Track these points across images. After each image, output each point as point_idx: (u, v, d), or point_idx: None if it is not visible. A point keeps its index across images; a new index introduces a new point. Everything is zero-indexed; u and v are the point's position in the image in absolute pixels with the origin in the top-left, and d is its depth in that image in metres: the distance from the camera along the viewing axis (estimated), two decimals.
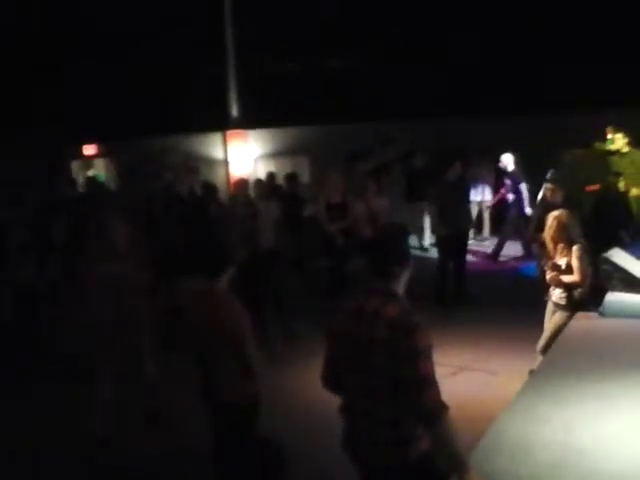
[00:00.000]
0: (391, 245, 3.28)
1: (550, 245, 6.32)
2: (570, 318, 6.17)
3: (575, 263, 6.12)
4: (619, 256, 7.19)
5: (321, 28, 17.23)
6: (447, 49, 16.24)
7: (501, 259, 12.59)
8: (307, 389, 6.58)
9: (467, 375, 7.24)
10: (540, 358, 6.18)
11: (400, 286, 3.29)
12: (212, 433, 4.79)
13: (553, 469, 3.78)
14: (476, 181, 13.46)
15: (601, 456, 3.88)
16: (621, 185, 9.90)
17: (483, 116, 14.78)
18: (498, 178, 13.29)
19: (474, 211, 13.32)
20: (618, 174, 9.93)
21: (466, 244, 10.46)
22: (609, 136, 10.17)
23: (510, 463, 3.90)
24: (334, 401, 3.63)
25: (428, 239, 13.45)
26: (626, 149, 10.04)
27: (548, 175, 10.33)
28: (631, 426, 4.20)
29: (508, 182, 12.47)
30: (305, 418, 6.46)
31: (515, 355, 7.41)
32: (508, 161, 12.13)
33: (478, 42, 15.95)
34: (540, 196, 9.63)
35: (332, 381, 3.56)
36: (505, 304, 9.22)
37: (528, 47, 15.17)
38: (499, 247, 12.56)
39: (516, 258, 12.47)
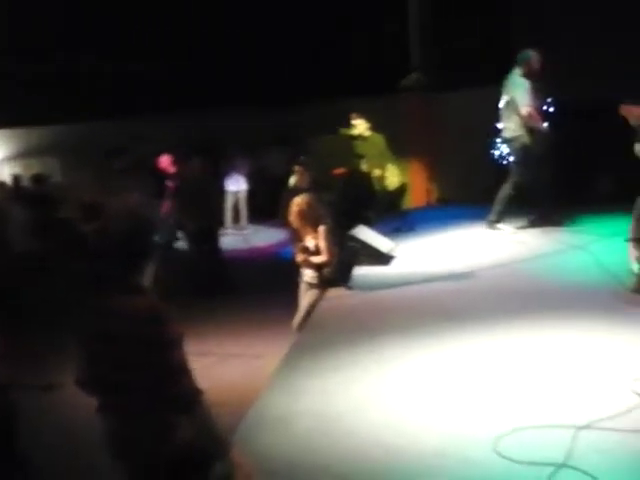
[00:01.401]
0: (134, 239, 3.30)
1: (297, 228, 6.62)
2: (322, 295, 6.53)
3: (322, 244, 6.45)
4: (364, 233, 7.75)
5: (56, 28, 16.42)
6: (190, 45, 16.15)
7: (260, 245, 12.90)
8: None
9: (232, 361, 7.39)
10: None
11: (146, 279, 3.32)
12: None
13: (312, 436, 4.04)
14: (231, 171, 13.70)
15: (355, 418, 4.20)
16: (364, 167, 10.57)
17: (235, 108, 14.99)
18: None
19: (230, 201, 13.54)
20: (361, 157, 10.57)
21: (217, 235, 10.63)
22: (353, 122, 10.74)
23: (272, 436, 4.11)
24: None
25: (180, 233, 13.46)
26: (367, 133, 10.67)
27: (298, 160, 10.79)
28: (380, 389, 4.57)
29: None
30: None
31: (277, 337, 7.67)
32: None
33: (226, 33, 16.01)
34: (291, 181, 10.03)
35: (89, 382, 3.51)
36: (264, 289, 9.50)
37: (271, 36, 15.44)
38: None
39: (275, 243, 12.84)
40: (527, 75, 8.09)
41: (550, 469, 3.31)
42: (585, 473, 3.27)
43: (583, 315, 5.49)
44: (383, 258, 7.55)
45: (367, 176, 10.50)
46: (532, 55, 8.12)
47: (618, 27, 9.62)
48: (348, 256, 7.14)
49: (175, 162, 11.58)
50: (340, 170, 10.70)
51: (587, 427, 3.67)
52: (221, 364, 7.25)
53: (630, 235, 5.96)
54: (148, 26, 15.72)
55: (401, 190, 10.85)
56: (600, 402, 3.98)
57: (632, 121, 4.54)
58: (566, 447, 3.48)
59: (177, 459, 3.40)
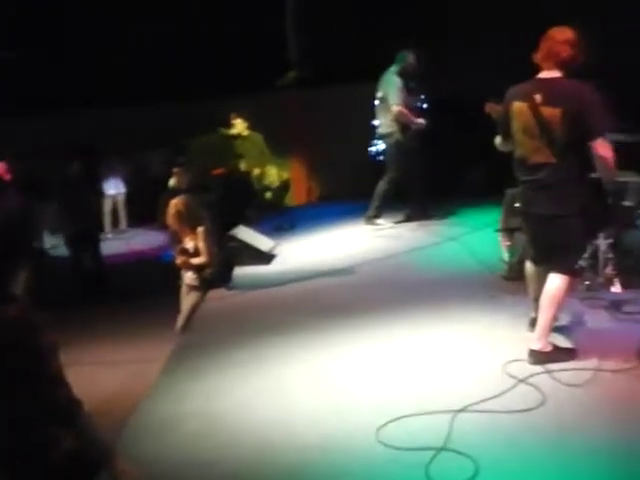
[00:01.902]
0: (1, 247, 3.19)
1: (176, 230, 6.54)
2: (203, 297, 6.49)
3: (201, 245, 6.41)
4: (244, 233, 7.74)
5: None
6: (64, 39, 15.51)
7: (140, 248, 12.64)
8: None
9: (114, 369, 7.19)
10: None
11: (17, 286, 3.22)
12: None
13: (198, 437, 4.02)
14: (109, 174, 13.37)
15: (241, 417, 4.20)
16: (243, 166, 10.56)
17: (110, 108, 14.55)
18: None
19: (108, 205, 13.23)
20: (240, 156, 10.56)
21: (97, 239, 10.38)
22: (232, 121, 10.70)
23: (157, 441, 4.06)
24: None
25: (58, 238, 13.01)
26: (246, 132, 10.66)
27: (177, 161, 10.66)
28: (264, 387, 4.59)
29: None
30: None
31: (160, 341, 7.52)
32: None
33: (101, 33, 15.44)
34: (170, 182, 9.89)
35: None
36: (146, 293, 9.32)
37: (145, 33, 14.98)
38: None
39: (156, 246, 12.61)
40: (402, 74, 8.31)
41: (431, 453, 3.43)
42: (463, 454, 3.40)
43: (459, 303, 5.69)
44: (264, 257, 7.57)
45: (246, 175, 10.50)
46: (408, 55, 8.35)
47: (488, 27, 9.97)
48: (228, 256, 7.12)
49: (8, 170, 11.13)
50: (219, 170, 10.64)
51: (463, 411, 3.82)
52: (102, 372, 7.04)
53: (500, 226, 6.22)
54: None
55: (282, 188, 10.92)
56: (476, 386, 4.15)
57: (495, 117, 4.76)
58: (445, 431, 3.61)
59: (60, 471, 3.30)
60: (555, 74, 4.24)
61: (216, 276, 6.63)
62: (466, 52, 10.01)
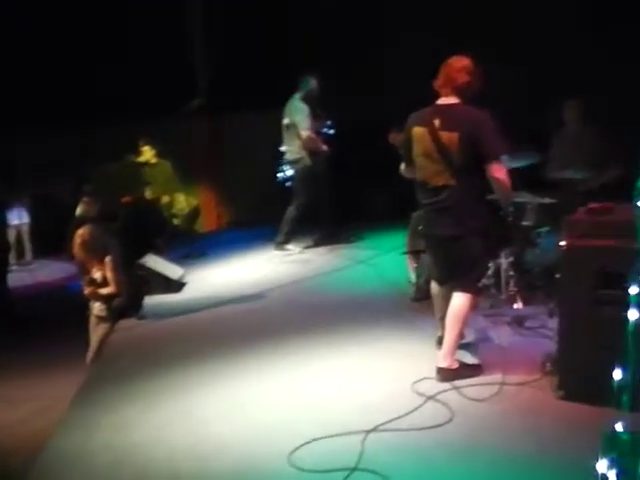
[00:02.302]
0: None
1: (83, 260, 6.43)
2: (113, 328, 6.39)
3: (109, 275, 6.32)
4: (153, 261, 7.66)
5: None
6: None
7: (46, 280, 12.33)
8: None
9: (21, 405, 6.97)
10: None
11: None
12: None
13: (109, 470, 3.95)
14: (12, 204, 12.99)
15: (153, 447, 4.15)
16: (152, 194, 10.45)
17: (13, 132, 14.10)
18: None
19: (12, 235, 12.86)
20: (147, 183, 10.44)
21: (3, 271, 10.08)
22: (140, 148, 10.59)
23: (66, 477, 3.97)
24: None
25: None
26: (155, 160, 10.56)
27: (85, 189, 10.44)
28: (175, 416, 4.54)
29: None
30: None
31: (70, 375, 7.29)
32: None
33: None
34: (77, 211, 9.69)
35: None
36: (54, 326, 9.06)
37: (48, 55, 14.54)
38: None
39: (63, 277, 12.32)
40: (307, 99, 8.42)
41: (344, 474, 3.48)
42: (376, 473, 3.47)
43: (368, 325, 5.80)
44: (174, 285, 7.51)
45: (154, 203, 10.39)
46: (311, 80, 8.48)
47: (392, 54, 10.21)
48: (138, 285, 7.03)
49: None
50: (127, 198, 10.50)
51: (375, 430, 3.89)
52: (9, 409, 6.83)
53: (407, 248, 6.37)
54: None
55: (192, 215, 10.85)
56: (386, 406, 4.23)
57: (398, 145, 4.90)
58: (357, 452, 3.67)
59: None
60: (453, 100, 4.41)
61: (126, 306, 6.54)
62: (371, 78, 10.23)
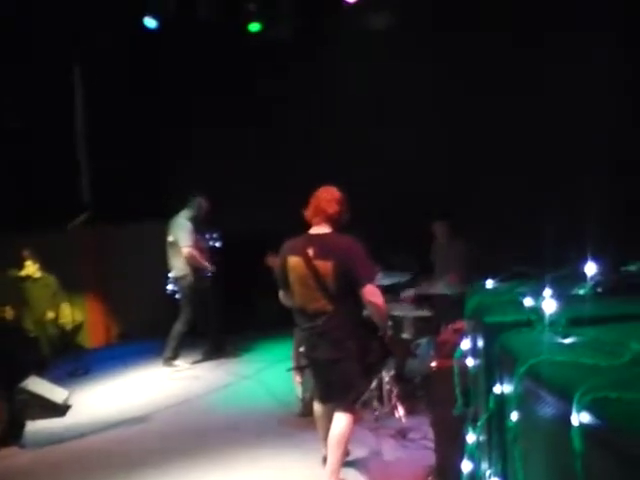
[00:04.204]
0: None
1: None
2: None
3: None
4: (35, 384, 7.39)
5: None
6: None
7: None
8: None
9: None
10: None
11: None
12: None
13: None
14: None
15: None
16: (10, 315, 9.88)
17: None
18: None
19: None
20: (4, 305, 9.90)
21: None
22: (25, 262, 10.34)
23: None
24: None
25: None
26: (38, 274, 10.34)
27: None
28: None
29: None
30: None
31: None
32: None
33: None
34: None
35: None
36: None
37: None
38: None
39: None
40: (193, 218, 8.57)
41: None
42: None
43: (254, 445, 5.86)
44: (58, 409, 7.25)
45: (16, 322, 9.91)
46: (200, 200, 8.67)
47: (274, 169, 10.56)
48: (18, 411, 6.78)
49: None
50: None
51: None
52: None
53: (292, 363, 6.48)
54: None
55: (75, 330, 10.62)
56: None
57: (274, 269, 5.05)
58: None
59: None
60: (325, 229, 4.65)
61: (5, 433, 6.30)
62: (258, 192, 10.52)
